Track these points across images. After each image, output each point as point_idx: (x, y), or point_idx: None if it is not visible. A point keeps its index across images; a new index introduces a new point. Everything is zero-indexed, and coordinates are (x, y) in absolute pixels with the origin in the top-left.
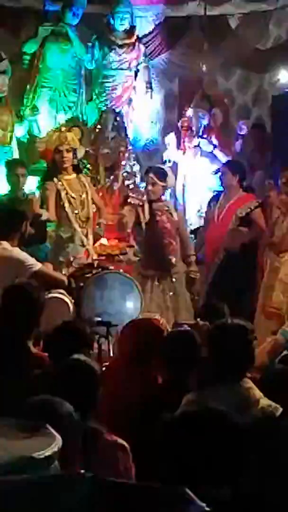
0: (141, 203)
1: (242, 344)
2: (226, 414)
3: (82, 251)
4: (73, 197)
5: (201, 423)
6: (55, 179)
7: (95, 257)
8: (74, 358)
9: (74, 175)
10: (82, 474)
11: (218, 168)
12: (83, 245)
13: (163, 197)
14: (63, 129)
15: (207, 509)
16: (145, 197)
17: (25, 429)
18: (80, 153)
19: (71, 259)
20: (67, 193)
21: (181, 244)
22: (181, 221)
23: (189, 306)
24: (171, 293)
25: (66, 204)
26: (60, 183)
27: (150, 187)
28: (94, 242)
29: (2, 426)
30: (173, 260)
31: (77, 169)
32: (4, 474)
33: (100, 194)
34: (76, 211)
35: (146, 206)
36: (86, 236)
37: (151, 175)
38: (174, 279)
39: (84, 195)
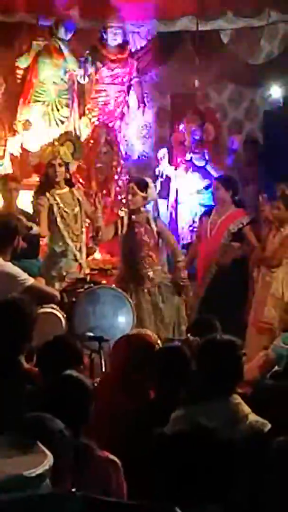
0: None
1: (232, 360)
2: (215, 431)
3: (75, 266)
4: (66, 212)
5: (190, 441)
6: (47, 194)
7: (87, 271)
8: (66, 374)
9: (67, 189)
10: (73, 492)
11: (210, 183)
12: (76, 260)
13: (142, 209)
14: (56, 143)
15: None
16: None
17: (16, 446)
18: (73, 167)
19: (64, 273)
20: (59, 208)
21: (169, 252)
22: (164, 229)
23: (177, 317)
24: (147, 307)
25: (59, 219)
26: (52, 197)
27: (130, 197)
28: (88, 256)
29: None
30: (150, 273)
31: (69, 183)
32: None
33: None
34: (68, 226)
35: (126, 217)
36: (79, 250)
37: (131, 185)
38: (150, 292)
39: (77, 209)
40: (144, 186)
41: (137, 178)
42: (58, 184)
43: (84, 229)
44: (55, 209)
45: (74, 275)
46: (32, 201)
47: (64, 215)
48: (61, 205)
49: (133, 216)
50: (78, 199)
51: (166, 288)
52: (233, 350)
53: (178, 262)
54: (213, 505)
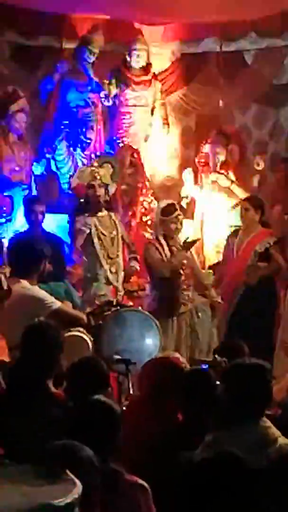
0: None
1: (260, 384)
2: (242, 458)
3: (107, 289)
4: (103, 234)
5: (217, 468)
6: (85, 215)
7: (121, 293)
8: (95, 399)
9: (105, 212)
10: None
11: (237, 203)
12: (109, 283)
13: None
14: (95, 164)
15: None
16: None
17: (45, 475)
18: (112, 189)
19: (94, 297)
20: (97, 230)
21: (196, 277)
22: (192, 255)
23: (211, 340)
24: (187, 329)
25: (96, 240)
26: (91, 219)
27: (179, 226)
28: (127, 278)
29: (23, 472)
30: (187, 298)
31: (108, 206)
32: None
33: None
34: (105, 248)
35: (163, 242)
36: (115, 273)
37: (179, 213)
38: (188, 315)
39: (114, 233)
40: (184, 213)
41: (181, 207)
42: (98, 206)
43: (120, 253)
44: (93, 231)
45: (104, 298)
46: (73, 222)
47: (101, 237)
48: (100, 227)
49: (169, 241)
50: (115, 222)
51: (202, 311)
52: (262, 373)
53: (206, 285)
54: None
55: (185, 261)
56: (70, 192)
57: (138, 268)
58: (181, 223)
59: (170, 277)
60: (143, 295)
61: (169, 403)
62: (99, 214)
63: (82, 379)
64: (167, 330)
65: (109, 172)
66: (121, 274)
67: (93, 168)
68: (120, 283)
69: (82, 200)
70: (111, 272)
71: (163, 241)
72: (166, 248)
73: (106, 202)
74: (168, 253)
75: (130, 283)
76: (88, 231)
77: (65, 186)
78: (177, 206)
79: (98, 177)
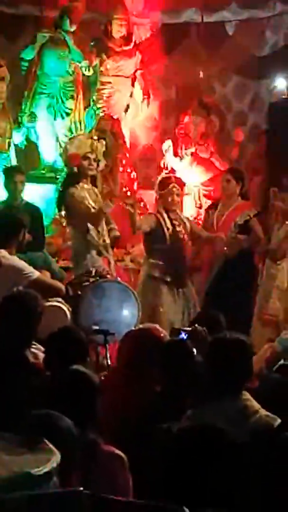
0: (138, 210)
1: (241, 360)
2: (221, 429)
3: (99, 260)
4: (93, 208)
5: (195, 439)
6: (77, 185)
7: (112, 264)
8: (73, 369)
9: (90, 185)
10: (80, 491)
11: (215, 175)
12: (99, 254)
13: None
14: (95, 137)
15: None
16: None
17: (24, 444)
18: (101, 165)
19: (91, 269)
20: (88, 202)
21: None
22: (191, 229)
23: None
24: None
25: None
26: (82, 190)
27: (176, 198)
28: (113, 247)
29: (1, 440)
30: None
31: (94, 181)
32: (3, 491)
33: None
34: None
35: (165, 215)
36: (105, 246)
37: (175, 185)
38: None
39: (97, 205)
40: (182, 186)
41: (178, 179)
42: (86, 179)
43: (105, 226)
44: (86, 203)
45: (100, 268)
46: (61, 191)
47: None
48: (89, 199)
49: (170, 214)
50: (97, 196)
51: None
52: (243, 349)
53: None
54: (221, 506)
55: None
56: (58, 159)
57: (119, 234)
58: (177, 195)
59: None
60: (122, 266)
61: (148, 374)
62: (86, 186)
63: (60, 349)
64: (173, 300)
65: (103, 148)
66: (109, 246)
67: (93, 141)
68: (110, 255)
69: (75, 170)
70: (101, 244)
71: (164, 214)
72: (167, 221)
73: (91, 177)
74: (170, 226)
75: (115, 254)
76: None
77: (46, 155)
78: (173, 179)
79: (97, 151)
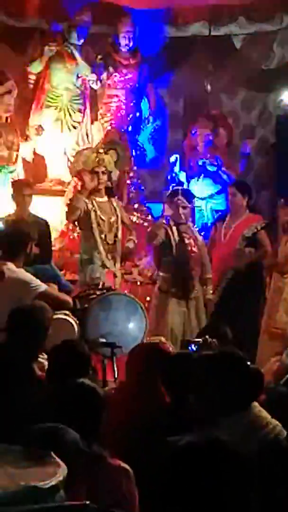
0: (146, 223)
1: (242, 375)
2: (227, 442)
3: (101, 272)
4: (102, 219)
5: (200, 452)
6: (86, 200)
7: (118, 279)
8: (79, 382)
9: (105, 198)
10: (86, 504)
11: (223, 188)
12: (104, 267)
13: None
14: (101, 150)
15: None
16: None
17: (30, 457)
18: (115, 176)
19: (90, 279)
20: (96, 215)
21: (201, 267)
22: (203, 243)
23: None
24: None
25: (94, 225)
26: (91, 204)
27: (181, 210)
28: (123, 262)
29: (8, 453)
30: (195, 284)
31: (110, 192)
32: (9, 504)
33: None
34: (102, 233)
35: (174, 228)
36: (113, 259)
37: (180, 198)
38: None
39: (113, 218)
40: (192, 198)
41: (184, 190)
42: (99, 192)
43: (119, 239)
44: (93, 215)
45: (98, 280)
46: (68, 204)
47: (100, 223)
48: (99, 212)
49: (180, 227)
50: (115, 208)
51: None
52: (240, 364)
53: (207, 278)
54: None
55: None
56: (65, 172)
57: (132, 247)
58: (183, 207)
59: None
60: (129, 279)
61: (156, 388)
62: (99, 199)
63: (61, 362)
64: (178, 311)
65: (114, 158)
66: (119, 259)
67: (98, 154)
68: (117, 269)
69: (82, 185)
70: (107, 258)
71: (173, 227)
72: (176, 233)
73: (107, 189)
74: (177, 237)
75: (124, 267)
76: (77, 212)
77: (54, 168)
78: (179, 192)
79: (103, 164)
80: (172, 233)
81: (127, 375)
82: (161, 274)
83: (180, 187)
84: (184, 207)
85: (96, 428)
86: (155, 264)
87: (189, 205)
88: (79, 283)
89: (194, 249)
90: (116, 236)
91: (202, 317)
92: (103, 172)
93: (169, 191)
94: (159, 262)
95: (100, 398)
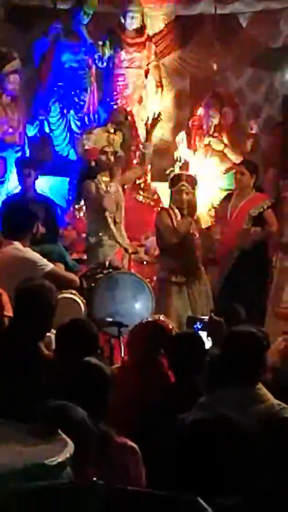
0: (152, 203)
1: (257, 352)
2: (233, 420)
3: (113, 252)
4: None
5: (208, 429)
6: (95, 180)
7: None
8: (86, 361)
9: (109, 178)
10: (94, 481)
11: (229, 168)
12: (116, 246)
13: None
14: (111, 130)
15: None
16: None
17: (38, 434)
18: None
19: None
20: (106, 194)
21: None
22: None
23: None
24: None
25: (106, 205)
26: (100, 184)
27: (185, 196)
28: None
29: (15, 431)
30: (200, 267)
31: (112, 172)
32: (17, 481)
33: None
34: (112, 214)
35: (176, 210)
36: (121, 237)
37: (185, 184)
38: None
39: (120, 198)
40: (196, 184)
41: (188, 176)
42: (105, 172)
43: (123, 218)
44: (103, 195)
45: (113, 261)
46: (78, 183)
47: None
48: (108, 192)
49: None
50: (118, 189)
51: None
52: (260, 342)
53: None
54: (234, 497)
55: (193, 231)
56: (77, 154)
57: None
58: (186, 193)
59: (179, 244)
60: (136, 258)
61: (158, 366)
62: (105, 179)
63: (70, 341)
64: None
65: (121, 139)
66: (125, 235)
67: (109, 134)
68: (128, 244)
69: (93, 164)
70: (120, 235)
71: (176, 210)
72: (179, 218)
73: (110, 169)
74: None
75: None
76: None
77: (59, 148)
78: (183, 177)
79: (114, 144)
80: (176, 216)
81: (129, 353)
82: (164, 257)
83: (184, 172)
84: (187, 193)
85: (103, 406)
86: (158, 248)
87: (193, 191)
88: (89, 263)
89: (197, 234)
90: (121, 215)
91: (205, 300)
92: (111, 152)
93: (172, 175)
94: (161, 245)
95: (107, 377)
